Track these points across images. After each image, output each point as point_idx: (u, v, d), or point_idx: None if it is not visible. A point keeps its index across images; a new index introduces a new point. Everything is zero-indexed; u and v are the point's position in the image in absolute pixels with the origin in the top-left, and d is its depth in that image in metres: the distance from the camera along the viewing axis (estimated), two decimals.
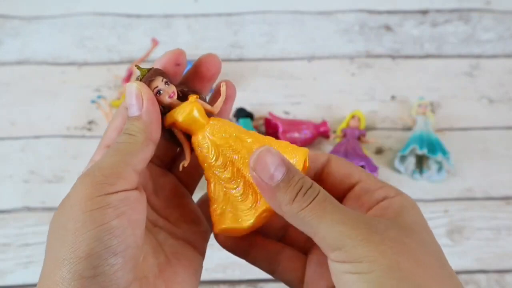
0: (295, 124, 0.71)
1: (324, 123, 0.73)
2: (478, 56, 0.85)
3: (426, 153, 0.68)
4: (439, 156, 0.68)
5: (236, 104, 0.76)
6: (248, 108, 0.76)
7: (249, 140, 0.32)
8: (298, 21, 0.90)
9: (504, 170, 0.71)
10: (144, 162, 0.29)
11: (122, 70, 0.81)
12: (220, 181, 0.31)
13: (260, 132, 0.73)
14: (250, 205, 0.30)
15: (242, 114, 0.74)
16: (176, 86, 0.32)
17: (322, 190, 0.28)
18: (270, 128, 0.72)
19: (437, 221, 0.66)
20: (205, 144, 0.31)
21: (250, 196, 0.31)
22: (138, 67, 0.32)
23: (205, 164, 0.32)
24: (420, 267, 0.25)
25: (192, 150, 0.33)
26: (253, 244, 0.34)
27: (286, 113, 0.77)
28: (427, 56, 0.85)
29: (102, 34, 0.87)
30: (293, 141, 0.70)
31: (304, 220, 0.27)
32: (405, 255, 0.25)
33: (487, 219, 0.66)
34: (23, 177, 0.70)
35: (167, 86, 0.31)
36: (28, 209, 0.67)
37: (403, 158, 0.70)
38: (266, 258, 0.33)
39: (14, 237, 0.65)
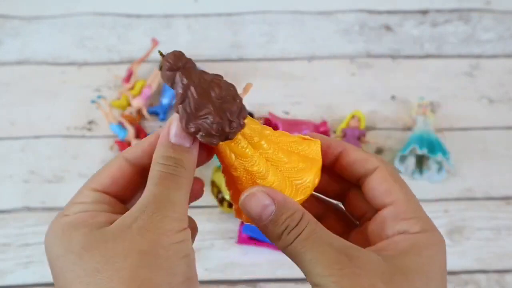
0: (295, 124, 0.71)
1: (324, 123, 0.73)
2: (478, 56, 0.85)
3: (426, 153, 0.68)
4: (439, 156, 0.68)
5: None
6: (248, 108, 0.76)
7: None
8: (298, 21, 0.90)
9: (504, 170, 0.71)
10: None
11: (122, 70, 0.81)
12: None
13: None
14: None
15: None
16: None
17: (308, 226, 0.28)
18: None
19: (437, 221, 0.66)
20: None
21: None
22: (161, 53, 0.29)
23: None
24: None
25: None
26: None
27: (286, 113, 0.77)
28: (427, 56, 0.85)
29: (102, 34, 0.88)
30: None
31: (290, 254, 0.29)
32: None
33: (487, 219, 0.66)
34: (23, 177, 0.70)
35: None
36: (28, 209, 0.67)
37: (403, 158, 0.70)
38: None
39: (14, 237, 0.65)
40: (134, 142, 0.70)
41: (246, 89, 0.33)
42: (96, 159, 0.72)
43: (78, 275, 0.25)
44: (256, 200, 0.29)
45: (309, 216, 0.29)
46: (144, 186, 0.29)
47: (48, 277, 0.61)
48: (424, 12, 0.91)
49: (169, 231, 0.26)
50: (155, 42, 0.81)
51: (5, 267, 0.63)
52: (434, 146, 0.69)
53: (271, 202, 0.29)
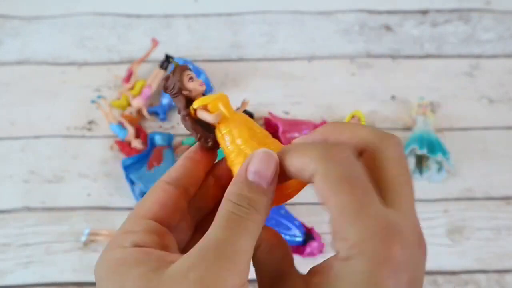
0: (295, 124, 0.71)
1: (324, 123, 0.73)
2: (478, 56, 0.85)
3: (426, 153, 0.68)
4: (439, 156, 0.68)
5: (236, 104, 0.76)
6: (248, 108, 0.76)
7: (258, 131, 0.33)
8: (298, 21, 0.90)
9: (504, 170, 0.71)
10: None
11: (122, 70, 0.81)
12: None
13: None
14: None
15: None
16: None
17: None
18: (270, 128, 0.72)
19: (437, 221, 0.66)
20: (225, 131, 0.32)
21: None
22: (172, 60, 0.32)
23: (232, 144, 0.31)
24: None
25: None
26: None
27: (286, 113, 0.77)
28: (427, 56, 0.85)
29: (102, 34, 0.88)
30: None
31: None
32: None
33: (487, 219, 0.66)
34: (23, 177, 0.70)
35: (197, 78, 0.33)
36: (28, 209, 0.67)
37: None
38: None
39: (14, 237, 0.65)
40: (134, 142, 0.70)
41: (243, 105, 0.34)
42: (96, 159, 0.72)
43: None
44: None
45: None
46: (189, 211, 0.28)
47: (47, 277, 0.61)
48: (424, 12, 0.91)
49: (230, 287, 0.23)
50: (155, 42, 0.81)
51: (5, 267, 0.63)
52: (434, 146, 0.69)
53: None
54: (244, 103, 0.34)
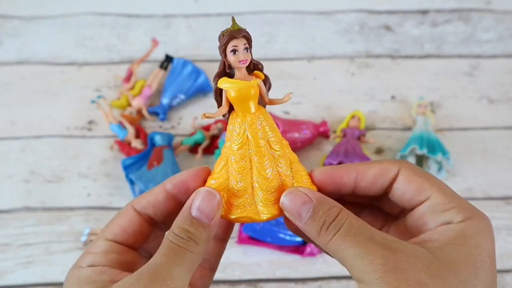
0: (295, 124, 0.71)
1: (324, 123, 0.73)
2: (478, 56, 0.85)
3: (426, 153, 0.68)
4: (439, 156, 0.68)
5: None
6: None
7: (277, 152, 0.33)
8: (298, 21, 0.90)
9: (503, 170, 0.71)
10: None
11: (122, 70, 0.81)
12: (230, 167, 0.32)
13: None
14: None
15: None
16: (252, 59, 0.32)
17: (347, 221, 0.28)
18: None
19: None
20: (238, 129, 0.32)
21: (245, 196, 0.32)
22: (233, 20, 0.32)
23: (228, 143, 0.32)
24: None
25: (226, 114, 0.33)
26: None
27: (286, 113, 0.77)
28: (427, 56, 0.85)
29: (102, 34, 0.88)
30: (293, 141, 0.70)
31: (332, 252, 0.28)
32: None
33: None
34: (23, 177, 0.70)
35: (245, 52, 0.31)
36: (28, 209, 0.67)
37: (403, 158, 0.70)
38: None
39: (14, 237, 0.65)
40: (134, 142, 0.70)
41: (286, 97, 0.34)
42: (96, 159, 0.72)
43: None
44: (295, 196, 0.29)
45: (347, 212, 0.28)
46: (152, 232, 0.32)
47: (47, 277, 0.61)
48: (424, 12, 0.91)
49: None
50: (155, 42, 0.81)
51: (5, 267, 0.63)
52: (434, 146, 0.69)
53: (309, 199, 0.29)
54: (288, 95, 0.34)
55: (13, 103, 0.78)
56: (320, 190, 0.31)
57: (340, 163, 0.66)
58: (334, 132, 0.74)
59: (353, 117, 0.73)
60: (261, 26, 0.89)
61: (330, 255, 0.29)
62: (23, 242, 0.64)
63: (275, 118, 0.71)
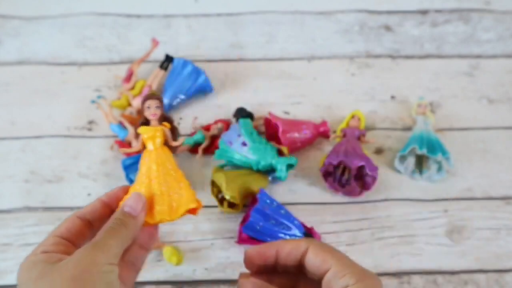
0: (295, 124, 0.71)
1: (324, 123, 0.73)
2: (478, 56, 0.85)
3: (426, 153, 0.68)
4: (439, 156, 0.68)
5: (236, 104, 0.76)
6: (248, 108, 0.76)
7: (172, 176, 0.46)
8: (298, 21, 0.90)
9: (503, 170, 0.71)
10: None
11: (122, 70, 0.81)
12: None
13: (260, 132, 0.73)
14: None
15: (242, 114, 0.74)
16: (163, 113, 0.47)
17: None
18: (270, 128, 0.72)
19: (436, 221, 0.66)
20: (147, 160, 0.46)
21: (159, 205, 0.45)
22: (153, 93, 0.48)
23: (141, 168, 0.46)
24: None
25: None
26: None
27: (286, 113, 0.78)
28: (427, 56, 0.85)
29: (102, 34, 0.88)
30: (293, 141, 0.70)
31: None
32: None
33: (487, 219, 0.66)
34: (23, 177, 0.70)
35: (156, 108, 0.46)
36: (28, 209, 0.67)
37: (403, 158, 0.70)
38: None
39: (14, 237, 0.65)
40: (134, 142, 0.70)
41: (180, 140, 0.48)
42: (96, 159, 0.72)
43: None
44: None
45: None
46: (90, 235, 0.43)
47: None
48: (424, 12, 0.91)
49: (98, 263, 0.37)
50: (155, 42, 0.81)
51: (6, 267, 0.63)
52: (434, 146, 0.69)
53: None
54: (182, 138, 0.48)
55: (13, 103, 0.78)
56: (251, 263, 0.42)
57: (340, 163, 0.67)
58: (334, 132, 0.74)
59: (353, 117, 0.73)
60: (261, 26, 0.89)
61: None
62: (23, 242, 0.64)
63: (275, 118, 0.71)
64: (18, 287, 0.38)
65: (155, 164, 0.45)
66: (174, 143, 0.47)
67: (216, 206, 0.67)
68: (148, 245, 0.46)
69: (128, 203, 0.43)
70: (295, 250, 0.40)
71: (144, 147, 0.47)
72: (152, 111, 0.46)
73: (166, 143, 0.47)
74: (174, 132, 0.47)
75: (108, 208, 0.44)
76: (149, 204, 0.44)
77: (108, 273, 0.38)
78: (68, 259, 0.38)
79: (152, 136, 0.46)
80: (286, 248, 0.41)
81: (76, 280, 0.36)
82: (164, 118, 0.47)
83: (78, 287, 0.36)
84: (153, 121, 0.46)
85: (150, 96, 0.46)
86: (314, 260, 0.39)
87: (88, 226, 0.44)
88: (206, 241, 0.64)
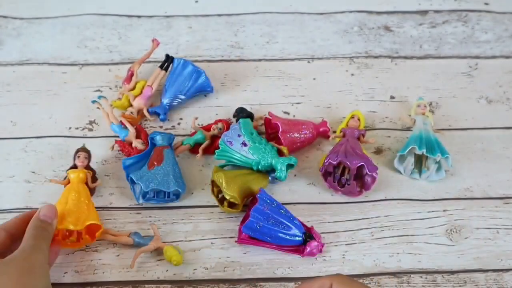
0: (295, 124, 0.72)
1: (324, 123, 0.73)
2: (477, 57, 0.85)
3: (425, 153, 0.68)
4: (438, 156, 0.68)
5: (236, 104, 0.77)
6: (248, 108, 0.76)
7: (85, 202, 0.63)
8: (298, 21, 0.91)
9: (502, 170, 0.71)
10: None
11: (123, 71, 0.81)
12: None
13: (260, 132, 0.73)
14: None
15: (242, 114, 0.74)
16: (88, 164, 0.68)
17: None
18: (270, 128, 0.73)
19: (436, 220, 0.66)
20: (67, 190, 0.64)
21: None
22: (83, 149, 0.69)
23: (65, 194, 0.64)
24: None
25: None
26: None
27: (286, 113, 0.78)
28: (426, 57, 0.85)
29: (103, 35, 0.88)
30: (293, 141, 0.70)
31: None
32: None
33: (486, 218, 0.67)
34: (24, 177, 0.70)
35: (84, 158, 0.67)
36: (30, 209, 0.67)
37: (402, 158, 0.71)
38: None
39: None
40: (134, 142, 0.71)
41: (97, 182, 0.69)
42: (97, 159, 0.72)
43: None
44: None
45: None
46: (11, 244, 0.55)
47: (50, 278, 0.61)
48: (423, 12, 0.92)
49: (40, 261, 0.52)
50: (155, 43, 0.81)
51: None
52: (433, 146, 0.69)
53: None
54: (99, 182, 0.68)
55: (15, 103, 0.79)
56: None
57: (339, 162, 0.67)
58: (334, 132, 0.74)
59: (352, 117, 0.74)
60: (261, 26, 0.89)
61: None
62: None
63: (275, 118, 0.71)
64: None
65: (74, 192, 0.63)
66: (91, 185, 0.66)
67: (216, 206, 0.67)
68: (51, 260, 0.59)
69: (42, 212, 0.57)
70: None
71: (69, 182, 0.65)
72: (81, 159, 0.67)
73: (86, 184, 0.65)
74: (93, 177, 0.67)
75: (25, 224, 0.56)
76: (62, 216, 0.59)
77: (45, 269, 0.52)
78: (13, 257, 0.51)
79: (76, 176, 0.65)
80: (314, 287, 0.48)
81: (26, 272, 0.49)
82: (88, 167, 0.67)
83: (27, 276, 0.49)
84: (80, 167, 0.66)
85: (82, 149, 0.68)
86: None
87: (10, 237, 0.56)
88: (206, 241, 0.64)
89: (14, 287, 0.48)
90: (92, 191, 0.66)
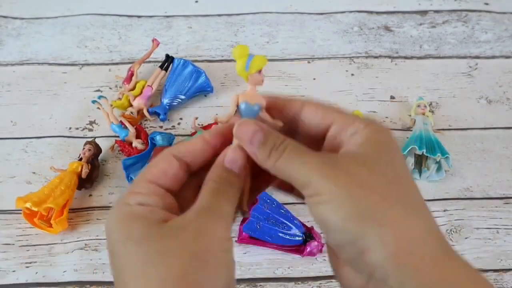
0: None
1: None
2: (477, 57, 0.85)
3: (425, 153, 0.68)
4: (438, 156, 0.68)
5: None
6: None
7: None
8: (298, 21, 0.91)
9: (502, 170, 0.71)
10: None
11: (123, 71, 0.81)
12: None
13: None
14: None
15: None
16: (91, 156, 0.69)
17: (292, 143, 0.32)
18: None
19: (436, 220, 0.66)
20: (58, 179, 0.66)
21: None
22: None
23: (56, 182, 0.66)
24: (372, 193, 0.29)
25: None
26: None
27: None
28: (426, 57, 0.85)
29: (103, 35, 0.88)
30: None
31: (280, 169, 0.32)
32: (356, 184, 0.30)
33: (486, 218, 0.67)
34: (25, 178, 0.70)
35: (88, 151, 0.68)
36: None
37: None
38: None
39: (17, 237, 0.65)
40: (134, 142, 0.71)
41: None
42: None
43: (133, 261, 0.28)
44: (247, 127, 0.33)
45: (289, 138, 0.33)
46: (187, 181, 0.34)
47: (49, 277, 0.62)
48: (423, 13, 0.92)
49: (219, 238, 0.30)
50: (156, 43, 0.81)
51: (7, 267, 0.63)
52: (433, 146, 0.69)
53: (259, 129, 0.33)
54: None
55: (15, 104, 0.79)
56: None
57: None
58: None
59: None
60: (261, 26, 0.90)
61: (277, 176, 0.32)
62: (25, 243, 0.65)
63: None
64: (111, 245, 0.29)
65: (58, 179, 0.66)
66: (83, 176, 0.67)
67: None
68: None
69: (228, 158, 0.34)
70: (289, 108, 0.36)
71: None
72: (84, 151, 0.69)
73: (78, 175, 0.67)
74: (91, 173, 0.68)
75: (209, 150, 0.35)
76: (39, 198, 0.63)
77: (227, 251, 0.30)
78: (181, 224, 0.30)
79: (71, 166, 0.67)
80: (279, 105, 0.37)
81: (196, 259, 0.28)
82: (91, 159, 0.68)
83: (195, 268, 0.28)
84: (84, 158, 0.68)
85: (88, 142, 0.69)
86: (313, 117, 0.35)
87: (186, 170, 0.34)
88: None
89: (179, 283, 0.28)
90: (87, 184, 0.68)
